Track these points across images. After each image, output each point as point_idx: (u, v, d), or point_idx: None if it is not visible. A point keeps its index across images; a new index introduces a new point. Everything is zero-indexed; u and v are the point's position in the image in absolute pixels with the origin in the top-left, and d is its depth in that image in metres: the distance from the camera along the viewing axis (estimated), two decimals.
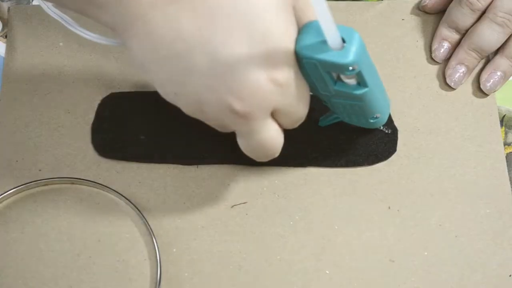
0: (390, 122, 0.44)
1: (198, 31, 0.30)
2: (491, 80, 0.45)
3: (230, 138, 0.43)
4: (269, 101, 0.32)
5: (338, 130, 0.43)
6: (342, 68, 0.31)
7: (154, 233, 0.40)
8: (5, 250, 0.40)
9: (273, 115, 0.34)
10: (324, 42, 0.31)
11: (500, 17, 0.43)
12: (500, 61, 0.45)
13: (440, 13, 0.48)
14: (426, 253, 0.40)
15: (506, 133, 0.45)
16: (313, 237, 0.41)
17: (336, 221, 0.41)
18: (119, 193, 0.41)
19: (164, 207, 0.42)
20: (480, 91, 0.45)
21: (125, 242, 0.40)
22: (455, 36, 0.46)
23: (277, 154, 0.36)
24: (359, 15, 0.48)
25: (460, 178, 0.43)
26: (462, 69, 0.45)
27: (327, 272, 0.40)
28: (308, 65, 0.32)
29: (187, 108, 0.33)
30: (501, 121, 0.45)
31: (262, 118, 0.33)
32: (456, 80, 0.45)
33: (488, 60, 0.46)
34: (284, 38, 0.31)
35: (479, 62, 0.46)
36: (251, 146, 0.35)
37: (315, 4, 0.28)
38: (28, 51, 0.46)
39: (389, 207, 0.42)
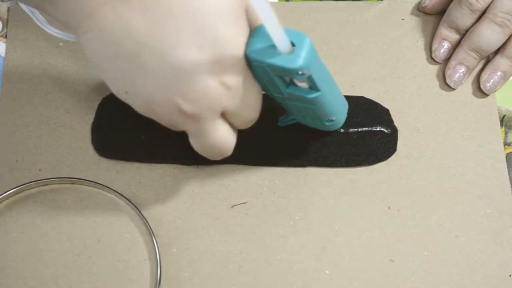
0: (390, 122, 0.44)
1: (148, 31, 0.30)
2: (491, 80, 0.45)
3: None
4: (218, 103, 0.32)
5: (338, 130, 0.43)
6: (291, 73, 0.32)
7: (154, 233, 0.40)
8: (5, 250, 0.40)
9: (224, 115, 0.34)
10: (274, 46, 0.31)
11: (500, 17, 0.43)
12: (500, 61, 0.45)
13: (440, 13, 0.48)
14: (426, 253, 0.40)
15: (506, 133, 0.45)
16: (313, 237, 0.41)
17: (336, 221, 0.41)
18: (119, 193, 0.41)
19: (164, 207, 0.42)
20: (480, 91, 0.45)
21: (125, 242, 0.40)
22: (455, 36, 0.46)
23: (229, 153, 0.37)
24: (359, 15, 0.48)
25: (460, 178, 0.43)
26: (462, 69, 0.45)
27: (327, 272, 0.40)
28: (258, 69, 0.33)
29: (138, 108, 0.34)
30: (501, 121, 0.45)
31: (211, 119, 0.33)
32: (456, 80, 0.45)
33: (488, 60, 0.46)
34: (234, 41, 0.31)
35: (479, 62, 0.46)
36: (202, 146, 0.36)
37: (259, 9, 0.29)
38: (28, 51, 0.46)
39: (389, 207, 0.42)
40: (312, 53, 0.32)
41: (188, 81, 0.31)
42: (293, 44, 0.31)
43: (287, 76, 0.33)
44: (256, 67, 0.33)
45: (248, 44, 0.32)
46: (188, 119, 0.33)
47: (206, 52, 0.31)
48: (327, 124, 0.39)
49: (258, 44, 0.32)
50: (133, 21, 0.30)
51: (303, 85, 0.34)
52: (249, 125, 0.36)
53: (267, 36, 0.31)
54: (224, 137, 0.35)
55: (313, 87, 0.34)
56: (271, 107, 0.44)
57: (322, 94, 0.35)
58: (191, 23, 0.30)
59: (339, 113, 0.39)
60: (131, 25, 0.30)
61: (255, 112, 0.36)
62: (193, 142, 0.36)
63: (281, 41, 0.30)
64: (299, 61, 0.31)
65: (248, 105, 0.34)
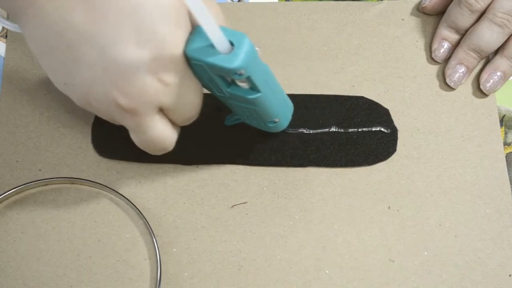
0: (390, 122, 0.44)
1: (88, 24, 0.30)
2: (491, 81, 0.45)
3: (230, 138, 0.44)
4: (155, 99, 0.33)
5: (338, 130, 0.43)
6: (229, 72, 0.32)
7: (154, 233, 0.40)
8: (5, 250, 0.40)
9: (163, 111, 0.34)
10: (213, 45, 0.31)
11: (499, 17, 0.43)
12: (500, 62, 0.45)
13: (439, 14, 0.48)
14: (426, 253, 0.40)
15: (506, 133, 0.45)
16: (313, 237, 0.41)
17: (336, 221, 0.41)
18: (119, 193, 0.41)
19: (164, 207, 0.42)
20: (480, 91, 0.45)
21: (125, 242, 0.40)
22: (455, 36, 0.46)
23: (169, 148, 0.37)
24: (359, 15, 0.48)
25: (460, 178, 0.43)
26: (462, 69, 0.45)
27: (327, 272, 0.40)
28: (198, 67, 0.33)
29: (76, 100, 0.34)
30: (501, 121, 0.45)
31: (149, 114, 0.33)
32: (456, 80, 0.45)
33: (488, 60, 0.46)
34: (173, 38, 0.31)
35: (478, 62, 0.46)
36: (141, 140, 0.36)
37: (193, 10, 0.29)
38: (28, 51, 0.46)
39: (389, 207, 0.42)
40: (252, 54, 0.32)
41: (125, 75, 0.31)
42: (233, 44, 0.31)
43: (226, 75, 0.33)
44: (195, 65, 0.33)
45: (188, 42, 0.32)
46: (125, 114, 0.33)
47: (144, 48, 0.31)
48: (270, 125, 0.39)
49: (198, 43, 0.32)
50: (73, 12, 0.31)
51: (244, 85, 0.34)
52: (189, 122, 0.37)
53: (207, 35, 0.31)
54: (162, 133, 0.35)
55: (254, 88, 0.34)
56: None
57: (263, 96, 0.35)
58: (130, 19, 0.30)
59: (282, 115, 0.39)
60: (71, 16, 0.31)
61: (194, 110, 0.36)
62: (133, 137, 0.36)
63: (218, 40, 0.31)
64: (237, 61, 0.31)
65: (186, 102, 0.34)
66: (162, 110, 0.34)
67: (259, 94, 0.34)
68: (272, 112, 0.38)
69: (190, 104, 0.35)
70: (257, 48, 0.38)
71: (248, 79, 0.33)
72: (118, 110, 0.33)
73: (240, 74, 0.32)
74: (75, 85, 0.33)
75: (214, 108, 0.44)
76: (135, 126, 0.34)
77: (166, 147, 0.36)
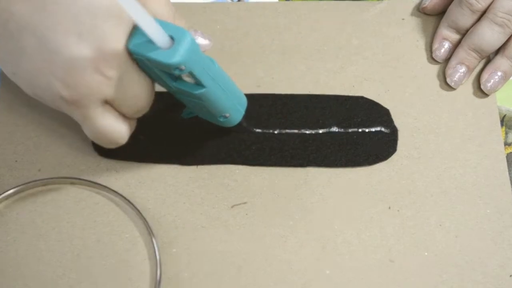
0: (390, 122, 0.44)
1: (29, 14, 0.31)
2: (492, 81, 0.45)
3: (230, 138, 0.44)
4: (98, 92, 0.33)
5: (338, 130, 0.43)
6: (169, 68, 0.32)
7: (154, 233, 0.40)
8: (5, 250, 0.40)
9: (110, 104, 0.35)
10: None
11: (500, 17, 0.43)
12: (501, 62, 0.45)
13: (440, 14, 0.48)
14: (426, 253, 0.40)
15: (506, 133, 0.45)
16: (313, 237, 0.41)
17: (336, 221, 0.41)
18: (119, 193, 0.41)
19: (164, 207, 0.42)
20: (480, 91, 0.45)
21: (125, 242, 0.40)
22: (456, 36, 0.46)
23: (121, 141, 0.37)
24: (359, 15, 0.48)
25: (460, 178, 0.43)
26: (463, 69, 0.45)
27: (327, 272, 0.40)
28: (141, 62, 0.33)
29: (25, 90, 0.35)
30: (501, 121, 0.45)
31: (93, 107, 0.34)
32: (456, 80, 0.45)
33: (488, 60, 0.46)
34: (114, 31, 0.32)
35: (479, 62, 0.46)
36: (91, 132, 0.36)
37: (125, 7, 0.29)
38: None
39: (389, 207, 0.42)
40: (192, 49, 0.32)
41: (66, 67, 0.32)
42: (174, 39, 0.31)
43: (167, 70, 0.33)
44: (139, 60, 0.33)
45: (130, 36, 0.32)
46: (70, 105, 0.34)
47: (85, 41, 0.31)
48: (221, 120, 0.40)
49: (140, 38, 0.32)
50: (15, 3, 0.31)
51: (190, 80, 0.34)
52: (138, 115, 0.37)
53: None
54: (110, 126, 0.35)
55: (198, 83, 0.34)
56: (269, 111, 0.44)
57: (209, 91, 0.35)
58: (71, 11, 0.31)
59: (233, 110, 0.39)
60: (13, 6, 0.31)
61: (140, 103, 0.36)
62: (83, 129, 0.36)
63: (156, 36, 0.31)
64: (176, 56, 0.31)
65: (132, 95, 0.35)
66: (109, 103, 0.35)
67: (204, 89, 0.35)
68: (220, 107, 0.38)
69: (136, 97, 0.35)
70: (207, 41, 0.39)
71: (192, 74, 0.33)
72: (62, 101, 0.33)
73: (181, 70, 0.32)
74: (21, 75, 0.34)
75: None
76: (81, 118, 0.35)
77: (116, 140, 0.37)
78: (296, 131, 0.44)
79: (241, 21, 0.48)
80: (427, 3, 0.47)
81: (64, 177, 0.42)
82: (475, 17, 0.45)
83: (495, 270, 0.40)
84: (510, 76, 0.45)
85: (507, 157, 0.44)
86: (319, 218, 0.41)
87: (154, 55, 0.31)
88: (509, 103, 0.46)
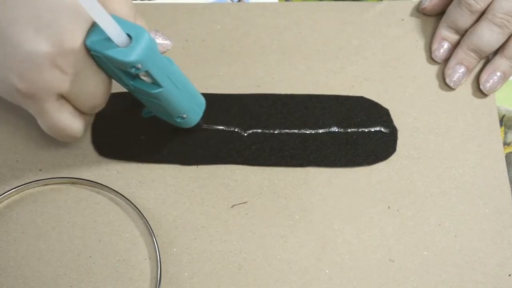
0: (390, 122, 0.44)
1: None
2: (491, 81, 0.45)
3: (230, 138, 0.44)
4: (53, 86, 0.33)
5: (338, 130, 0.43)
6: (125, 66, 0.32)
7: (154, 233, 0.40)
8: (5, 250, 0.40)
9: (66, 99, 0.35)
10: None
11: (499, 18, 0.43)
12: (500, 62, 0.45)
13: (439, 14, 0.48)
14: (425, 253, 0.40)
15: (505, 133, 0.45)
16: (313, 237, 0.41)
17: (336, 221, 0.41)
18: (119, 193, 0.41)
19: (164, 207, 0.42)
20: (479, 91, 0.45)
21: (125, 242, 0.40)
22: (455, 37, 0.46)
23: (76, 136, 0.38)
24: (359, 15, 0.48)
25: (460, 178, 0.43)
26: (462, 69, 0.45)
27: (327, 272, 0.40)
28: (99, 59, 0.33)
29: None
30: (501, 121, 0.45)
31: (49, 100, 0.34)
32: (456, 80, 0.45)
33: (487, 60, 0.46)
34: (73, 26, 0.32)
35: (478, 62, 0.46)
36: (46, 126, 0.37)
37: (83, 3, 0.30)
38: None
39: (389, 207, 0.42)
40: (150, 49, 0.32)
41: (22, 59, 0.32)
42: (131, 38, 0.32)
43: (124, 69, 0.33)
44: (96, 57, 0.33)
45: (89, 33, 0.33)
46: (25, 99, 0.34)
47: (42, 35, 0.32)
48: (179, 120, 0.40)
49: (98, 35, 0.32)
50: None
51: (147, 79, 0.35)
52: (94, 111, 0.37)
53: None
54: (65, 120, 0.36)
55: (155, 82, 0.35)
56: (269, 111, 0.44)
57: (166, 91, 0.35)
58: (31, 5, 0.31)
59: (190, 112, 0.40)
60: None
61: (96, 99, 0.36)
62: (39, 122, 0.37)
63: (113, 33, 0.31)
64: (133, 55, 0.31)
65: (87, 91, 0.35)
66: (64, 97, 0.35)
67: (161, 89, 0.35)
68: (178, 108, 0.38)
69: (91, 93, 0.35)
70: (167, 42, 0.39)
71: (148, 74, 0.33)
72: (18, 94, 0.34)
73: (138, 68, 0.32)
74: None
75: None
76: (36, 111, 0.35)
77: (71, 134, 0.37)
78: (296, 131, 0.44)
79: (241, 21, 0.48)
80: (426, 3, 0.48)
81: (64, 177, 0.42)
82: (474, 17, 0.45)
83: (495, 269, 0.40)
84: (509, 76, 0.46)
85: (506, 157, 0.44)
86: (319, 218, 0.41)
87: (111, 52, 0.32)
88: (508, 103, 0.46)
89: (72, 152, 0.43)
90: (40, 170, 0.43)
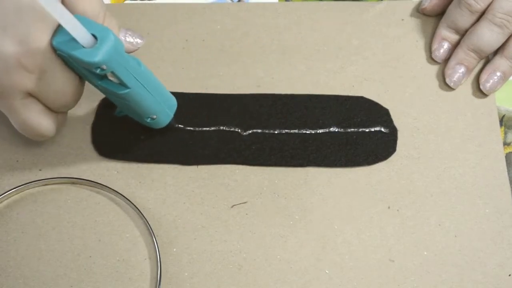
0: (389, 122, 0.44)
1: None
2: (491, 81, 0.45)
3: (230, 138, 0.44)
4: (19, 85, 0.34)
5: (338, 130, 0.43)
6: (90, 66, 0.32)
7: (154, 233, 0.40)
8: (5, 250, 0.40)
9: (36, 97, 0.35)
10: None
11: (499, 18, 0.43)
12: (500, 62, 0.45)
13: (439, 15, 0.48)
14: (425, 253, 0.40)
15: (505, 133, 0.45)
16: (313, 237, 0.41)
17: (336, 221, 0.41)
18: (119, 193, 0.41)
19: (164, 207, 0.42)
20: (479, 91, 0.45)
21: (125, 242, 0.40)
22: (455, 37, 0.46)
23: (48, 134, 0.38)
24: (359, 15, 0.48)
25: (459, 178, 0.43)
26: (462, 69, 0.45)
27: (327, 272, 0.40)
28: (66, 58, 0.33)
29: None
30: (501, 121, 0.45)
31: (16, 98, 0.35)
32: (456, 80, 0.45)
33: (487, 60, 0.46)
34: (39, 27, 0.32)
35: (478, 62, 0.46)
36: (16, 124, 0.37)
37: (44, 5, 0.30)
38: None
39: (389, 207, 0.42)
40: (115, 49, 0.32)
41: None
42: (97, 38, 0.32)
43: (90, 69, 0.33)
44: (63, 57, 0.33)
45: (55, 33, 0.33)
46: None
47: (8, 34, 0.32)
48: (148, 121, 0.40)
49: (65, 35, 0.32)
50: None
51: (115, 80, 0.35)
52: (65, 109, 0.38)
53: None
54: (34, 118, 0.36)
55: (122, 83, 0.35)
56: (267, 111, 0.44)
57: (133, 92, 0.35)
58: None
59: (160, 113, 0.40)
60: None
61: (65, 98, 0.36)
62: (11, 121, 0.37)
63: (78, 34, 0.31)
64: (98, 56, 0.31)
65: (55, 90, 0.35)
66: (33, 96, 0.35)
67: (128, 90, 0.35)
68: (146, 109, 0.38)
69: (60, 92, 0.36)
70: (138, 40, 0.39)
71: (115, 75, 0.34)
72: None
73: (103, 69, 0.32)
74: None
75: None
76: (6, 110, 0.36)
77: (42, 133, 0.38)
78: (296, 131, 0.44)
79: (241, 21, 0.48)
80: (426, 4, 0.48)
81: (64, 177, 0.42)
82: (474, 17, 0.45)
83: (494, 269, 0.40)
84: (509, 77, 0.46)
85: (506, 157, 0.44)
86: (319, 218, 0.41)
87: (76, 53, 0.32)
88: (508, 103, 0.46)
89: (72, 152, 0.43)
90: (40, 170, 0.43)
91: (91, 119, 0.44)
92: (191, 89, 0.45)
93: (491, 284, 0.39)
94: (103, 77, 0.35)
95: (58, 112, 0.38)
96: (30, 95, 0.35)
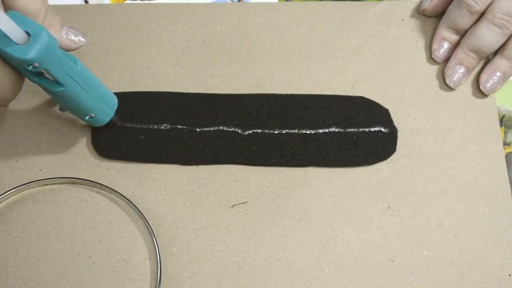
0: (389, 122, 0.44)
1: None
2: (491, 81, 0.45)
3: (230, 138, 0.44)
4: None
5: (338, 130, 0.43)
6: (23, 63, 0.32)
7: (154, 233, 0.40)
8: (5, 250, 0.40)
9: None
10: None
11: (499, 18, 0.43)
12: (500, 62, 0.45)
13: (439, 15, 0.48)
14: (425, 253, 0.40)
15: (505, 133, 0.45)
16: (313, 237, 0.41)
17: (336, 221, 0.41)
18: (119, 193, 0.41)
19: (164, 207, 0.42)
20: (479, 91, 0.45)
21: (125, 242, 0.40)
22: (455, 37, 0.46)
23: None
24: (359, 15, 0.48)
25: (459, 178, 0.43)
26: (462, 70, 0.45)
27: (327, 272, 0.40)
28: (2, 54, 0.33)
29: None
30: (501, 121, 0.45)
31: None
32: (456, 80, 0.45)
33: (487, 60, 0.46)
34: None
35: (478, 62, 0.46)
36: None
37: None
38: None
39: (389, 207, 0.42)
40: (49, 47, 0.32)
41: None
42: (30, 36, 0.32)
43: (24, 66, 0.33)
44: (0, 52, 0.33)
45: None
46: None
47: None
48: (87, 119, 0.40)
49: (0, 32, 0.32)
50: None
51: (50, 77, 0.35)
52: (2, 103, 0.37)
53: None
54: None
55: (56, 81, 0.35)
56: (269, 112, 0.44)
57: (68, 90, 0.36)
58: None
59: (98, 111, 0.40)
60: None
61: (3, 92, 0.36)
62: None
63: (9, 31, 0.31)
64: (30, 53, 0.32)
65: None
66: None
67: (62, 88, 0.35)
68: (83, 107, 0.38)
69: None
70: (80, 38, 0.39)
71: (48, 72, 0.34)
72: None
73: (35, 66, 0.32)
74: None
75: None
76: None
77: None
78: (296, 131, 0.44)
79: (241, 21, 0.48)
80: (426, 5, 0.48)
81: (64, 177, 0.42)
82: (474, 18, 0.45)
83: (494, 269, 0.40)
84: (509, 77, 0.46)
85: (506, 157, 0.44)
86: (319, 218, 0.41)
87: (9, 49, 0.32)
88: (508, 103, 0.46)
89: (72, 152, 0.43)
90: (40, 170, 0.43)
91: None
92: (191, 89, 0.45)
93: (491, 284, 0.40)
94: (39, 74, 0.35)
95: None
96: None
